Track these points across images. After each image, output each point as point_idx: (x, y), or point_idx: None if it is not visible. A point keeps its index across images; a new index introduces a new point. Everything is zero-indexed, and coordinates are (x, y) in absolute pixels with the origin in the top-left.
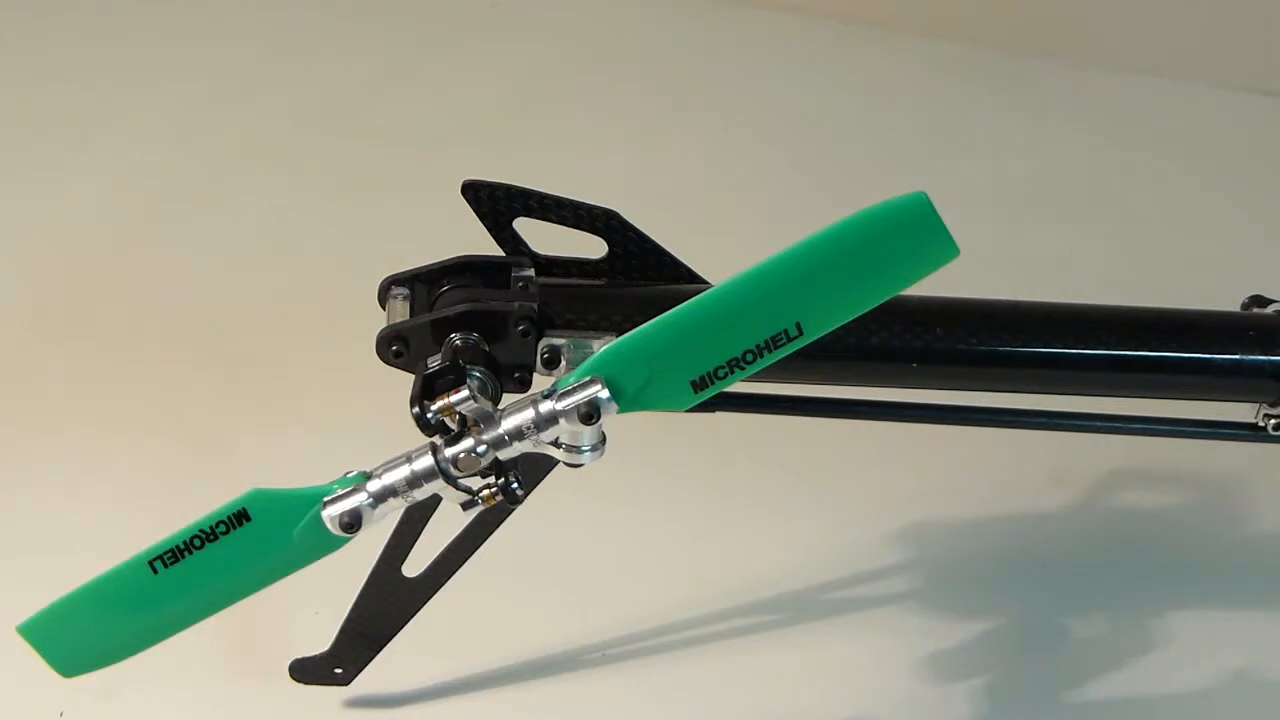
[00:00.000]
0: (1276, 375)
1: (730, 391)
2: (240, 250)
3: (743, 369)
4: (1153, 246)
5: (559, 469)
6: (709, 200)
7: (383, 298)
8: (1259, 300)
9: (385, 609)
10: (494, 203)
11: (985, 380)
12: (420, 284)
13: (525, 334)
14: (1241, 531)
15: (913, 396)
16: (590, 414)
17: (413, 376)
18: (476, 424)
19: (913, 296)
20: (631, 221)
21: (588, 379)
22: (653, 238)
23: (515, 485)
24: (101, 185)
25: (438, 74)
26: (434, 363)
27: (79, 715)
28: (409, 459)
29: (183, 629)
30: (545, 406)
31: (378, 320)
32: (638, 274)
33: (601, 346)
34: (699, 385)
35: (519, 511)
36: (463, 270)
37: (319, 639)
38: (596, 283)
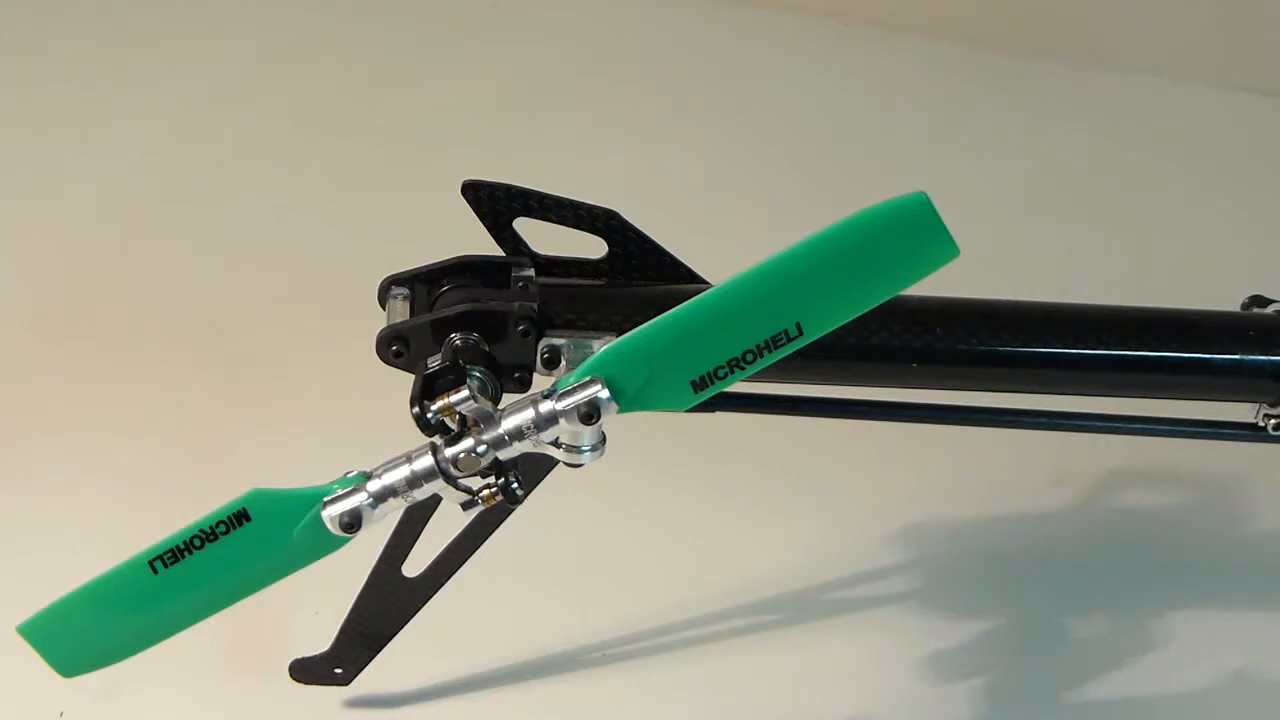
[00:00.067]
0: (1276, 375)
1: (730, 391)
2: (240, 250)
3: (743, 369)
4: (1153, 246)
5: (559, 469)
6: (709, 200)
7: (383, 298)
8: (1259, 300)
9: (385, 609)
10: (494, 203)
11: (985, 380)
12: (420, 284)
13: (525, 334)
14: (1241, 531)
15: (913, 396)
16: (590, 414)
17: (413, 376)
18: (476, 424)
19: (913, 296)
20: (631, 221)
21: (588, 379)
22: (653, 238)
23: (515, 485)
24: (101, 185)
25: (438, 74)
26: (434, 363)
27: (79, 715)
28: (409, 459)
29: (183, 629)
30: (545, 406)
31: (378, 320)
32: (638, 274)
33: (601, 346)
34: (699, 385)
35: (519, 511)
36: (463, 270)
37: (319, 639)
38: (596, 283)
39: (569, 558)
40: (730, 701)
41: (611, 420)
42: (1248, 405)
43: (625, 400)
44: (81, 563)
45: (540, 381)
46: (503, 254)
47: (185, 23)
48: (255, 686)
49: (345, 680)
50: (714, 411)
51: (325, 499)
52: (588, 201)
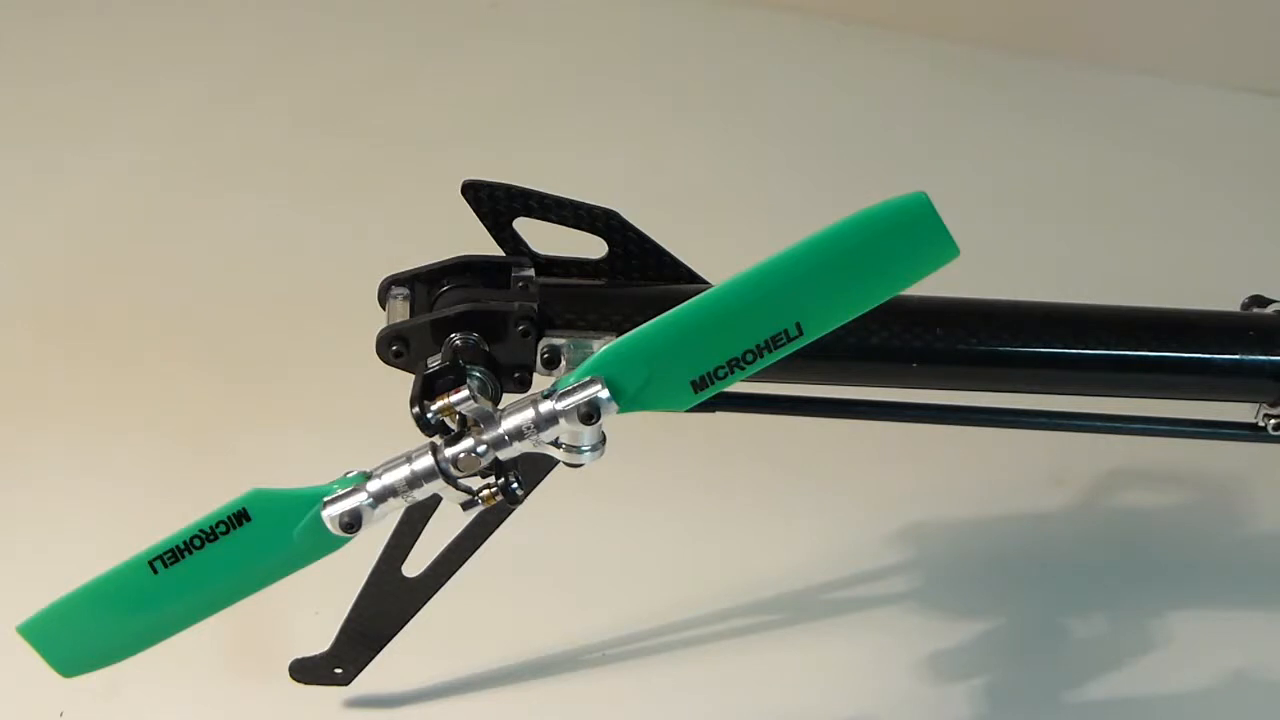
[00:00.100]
0: (1276, 375)
1: (730, 391)
2: (240, 250)
3: (743, 369)
4: (1153, 246)
5: (559, 469)
6: (709, 200)
7: (383, 298)
8: (1259, 300)
9: (385, 609)
10: (494, 203)
11: (985, 380)
12: (420, 284)
13: (525, 334)
14: (1241, 531)
15: (913, 396)
16: (590, 414)
17: (413, 376)
18: (476, 424)
19: (913, 296)
20: (631, 221)
21: (588, 379)
22: (653, 238)
23: (515, 485)
24: (101, 185)
25: (438, 74)
26: (434, 363)
27: (79, 715)
28: (409, 459)
29: (183, 629)
30: (545, 406)
31: (378, 320)
32: (638, 274)
33: (601, 346)
34: (699, 385)
35: (519, 511)
36: (463, 270)
37: (319, 639)
38: (596, 283)
39: (569, 558)
40: (730, 701)
41: (611, 420)
42: (1248, 405)
43: (625, 400)
44: (81, 563)
45: (540, 381)
46: (503, 254)
47: (185, 23)
48: (255, 686)
49: (345, 680)
50: (714, 411)
51: (325, 499)
52: (588, 201)
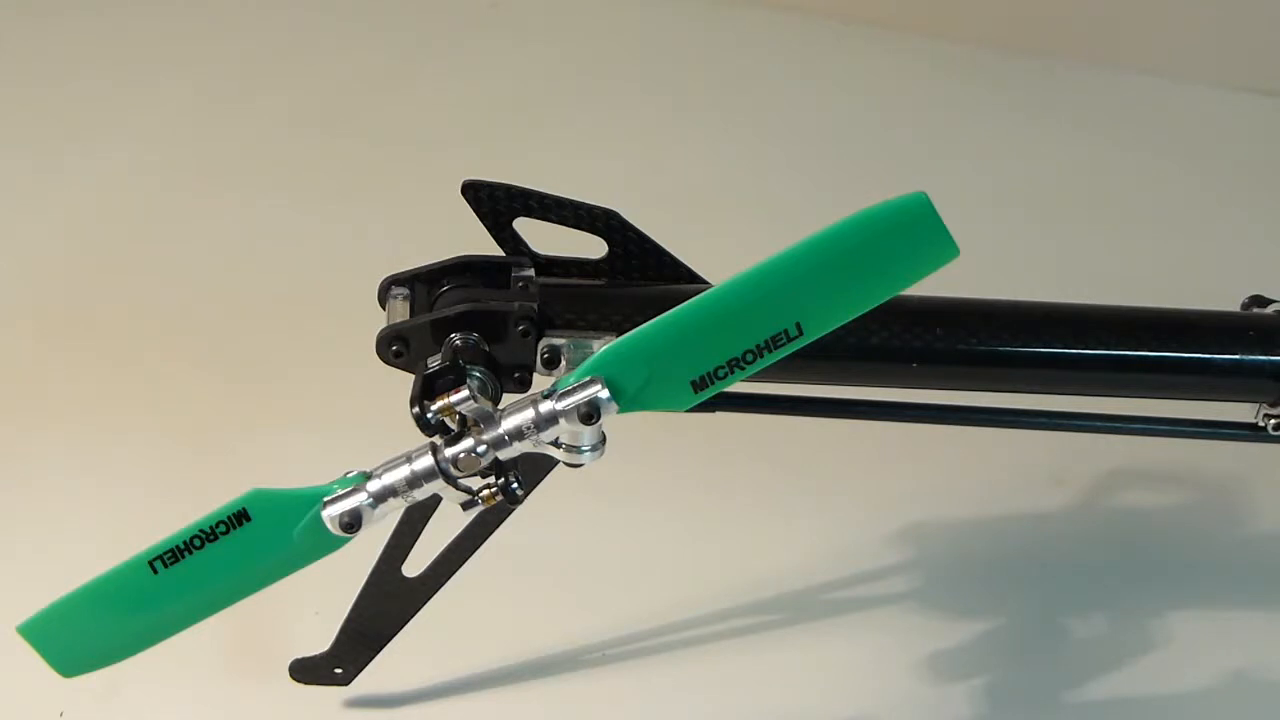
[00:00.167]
0: (1276, 375)
1: (730, 391)
2: (240, 250)
3: (743, 369)
4: (1153, 246)
5: (559, 469)
6: (709, 200)
7: (383, 298)
8: (1259, 300)
9: (385, 609)
10: (494, 203)
11: (985, 380)
12: (420, 284)
13: (525, 334)
14: (1241, 531)
15: (913, 396)
16: (590, 414)
17: (413, 376)
18: (476, 424)
19: (913, 296)
20: (631, 221)
21: (588, 379)
22: (653, 238)
23: (515, 485)
24: (101, 185)
25: (438, 74)
26: (434, 363)
27: (79, 715)
28: (409, 459)
29: (183, 629)
30: (545, 406)
31: (378, 320)
32: (638, 274)
33: (601, 346)
34: (699, 385)
35: (519, 511)
36: (463, 270)
37: (319, 639)
38: (596, 283)
39: (569, 558)
40: (730, 701)
41: (611, 420)
42: (1248, 405)
43: (625, 400)
44: (81, 563)
45: (540, 381)
46: (503, 254)
47: (185, 23)
48: (255, 686)
49: (345, 680)
50: (714, 411)
51: (325, 499)
52: (588, 201)
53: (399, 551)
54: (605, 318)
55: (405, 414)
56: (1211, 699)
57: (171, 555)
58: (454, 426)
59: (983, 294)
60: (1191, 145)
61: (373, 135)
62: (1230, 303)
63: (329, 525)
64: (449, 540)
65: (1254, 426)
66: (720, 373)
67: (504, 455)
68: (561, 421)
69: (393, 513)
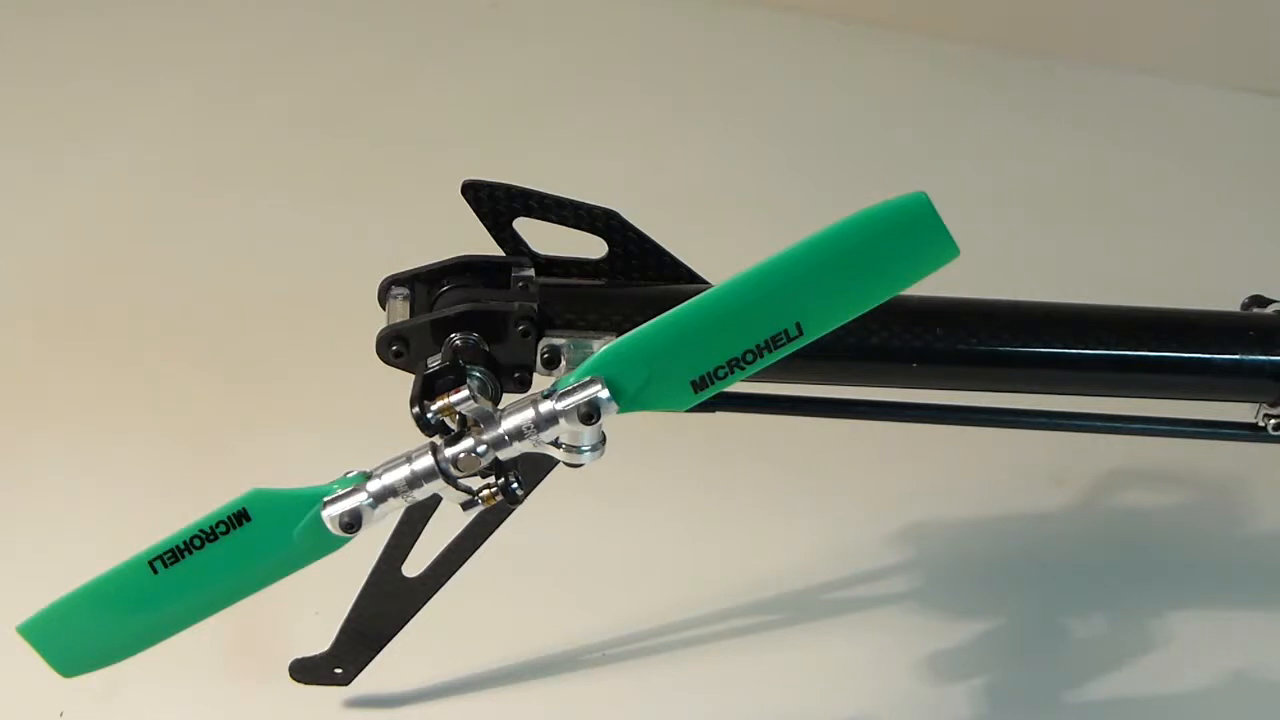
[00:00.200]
0: (1276, 375)
1: (730, 391)
2: (240, 250)
3: (743, 369)
4: (1153, 246)
5: (559, 469)
6: (709, 200)
7: (383, 298)
8: (1259, 300)
9: (385, 609)
10: (494, 203)
11: (985, 380)
12: (420, 284)
13: (525, 334)
14: (1241, 531)
15: (913, 396)
16: (590, 414)
17: (413, 376)
18: (476, 424)
19: (913, 296)
20: (631, 221)
21: (588, 379)
22: (653, 238)
23: (515, 485)
24: (101, 185)
25: (438, 74)
26: (434, 363)
27: (79, 715)
28: (409, 459)
29: (183, 629)
30: (545, 406)
31: (378, 320)
32: (638, 274)
33: (601, 346)
34: (699, 385)
35: (519, 511)
36: (463, 270)
37: (319, 639)
38: (596, 283)
39: (569, 558)
40: (730, 701)
41: (611, 420)
42: (1248, 405)
43: (625, 400)
44: (81, 563)
45: (540, 381)
46: (503, 254)
47: (185, 23)
48: (255, 686)
49: (345, 680)
50: (714, 411)
51: (325, 499)
52: (588, 201)
53: (399, 551)
54: (605, 318)
55: (405, 414)
56: (1211, 699)
57: (171, 555)
58: (454, 426)
59: (983, 294)
60: (1191, 145)
61: (373, 135)
62: (1230, 303)
63: (329, 525)
64: (449, 540)
65: (1254, 426)
66: (720, 373)
67: (504, 455)
68: (561, 421)
69: (393, 513)
